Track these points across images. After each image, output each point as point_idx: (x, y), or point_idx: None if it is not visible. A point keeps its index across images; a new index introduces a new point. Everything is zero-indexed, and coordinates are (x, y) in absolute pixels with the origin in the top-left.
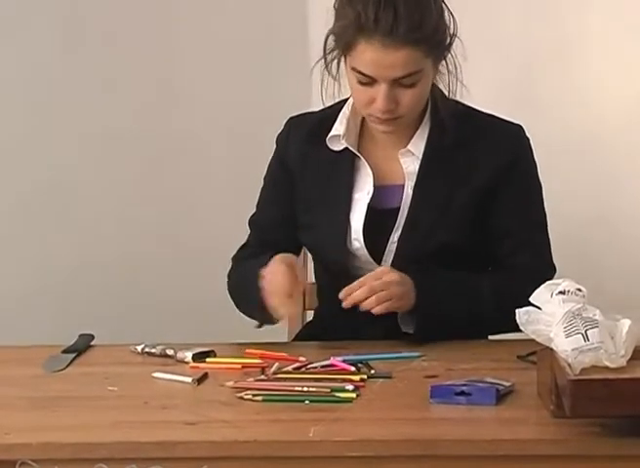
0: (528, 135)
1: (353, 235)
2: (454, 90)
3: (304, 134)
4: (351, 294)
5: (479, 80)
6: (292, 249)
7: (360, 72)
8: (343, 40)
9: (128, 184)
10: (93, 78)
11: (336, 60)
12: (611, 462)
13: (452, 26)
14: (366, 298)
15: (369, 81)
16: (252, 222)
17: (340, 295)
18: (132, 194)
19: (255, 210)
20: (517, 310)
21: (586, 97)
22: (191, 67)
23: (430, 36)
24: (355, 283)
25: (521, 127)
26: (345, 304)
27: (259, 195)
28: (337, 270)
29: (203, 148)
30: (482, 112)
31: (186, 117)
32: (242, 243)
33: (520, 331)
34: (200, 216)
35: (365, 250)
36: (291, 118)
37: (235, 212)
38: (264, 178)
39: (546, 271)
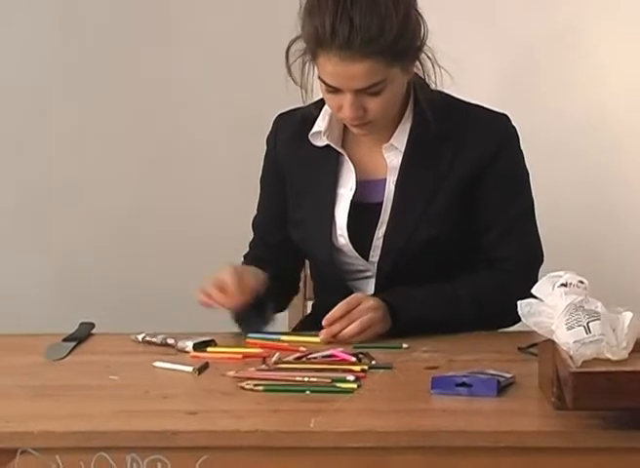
0: (514, 124)
1: (338, 231)
2: (434, 80)
3: (291, 131)
4: (330, 328)
5: (478, 70)
6: (292, 249)
7: (325, 82)
8: (308, 50)
9: (129, 177)
10: (92, 78)
11: (308, 64)
12: (612, 454)
13: (422, 29)
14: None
15: (335, 90)
16: (253, 224)
17: (324, 323)
18: (133, 186)
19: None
20: (519, 302)
21: (587, 86)
22: (191, 64)
23: (391, 46)
24: (335, 310)
25: (507, 116)
26: (323, 339)
27: (258, 196)
28: (326, 266)
29: (204, 144)
30: (467, 102)
31: (187, 113)
32: (242, 233)
33: (501, 327)
34: (200, 207)
35: (351, 245)
36: (278, 116)
37: (235, 203)
38: (260, 180)
39: (529, 262)
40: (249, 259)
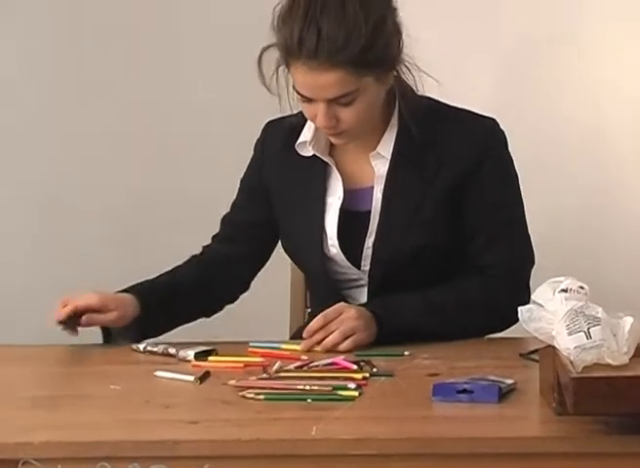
0: (503, 128)
1: (329, 241)
2: (416, 87)
3: (279, 140)
4: (310, 339)
5: (472, 75)
6: (256, 253)
7: (297, 92)
8: (282, 59)
9: (129, 179)
10: (92, 80)
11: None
12: (613, 460)
13: (400, 39)
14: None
15: (308, 99)
16: (224, 220)
17: (304, 335)
18: (135, 190)
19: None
20: (519, 308)
21: (583, 90)
22: (192, 66)
23: (359, 56)
24: (313, 322)
25: (494, 121)
26: (304, 348)
27: (236, 195)
28: (318, 276)
29: (204, 145)
30: (453, 107)
31: (188, 114)
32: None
33: (490, 333)
34: (202, 215)
35: (342, 255)
36: (267, 123)
37: None
38: (241, 180)
39: (517, 268)
40: (208, 253)
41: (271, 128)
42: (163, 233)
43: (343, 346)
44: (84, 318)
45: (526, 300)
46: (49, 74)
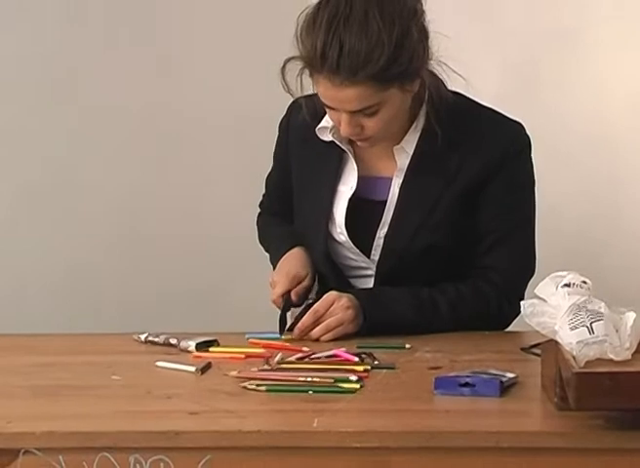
0: (528, 133)
1: (337, 229)
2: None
3: (303, 120)
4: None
5: (477, 75)
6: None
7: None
8: (306, 68)
9: (130, 178)
10: (92, 78)
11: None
12: (614, 455)
13: (425, 45)
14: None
15: (332, 107)
16: (267, 182)
17: (295, 331)
18: (135, 183)
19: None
20: (522, 302)
21: (587, 91)
22: (193, 67)
23: (382, 71)
24: (305, 318)
25: (520, 125)
26: (295, 337)
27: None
28: (323, 262)
29: (204, 144)
30: (482, 107)
31: (188, 113)
32: (242, 233)
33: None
34: (203, 207)
35: (351, 242)
36: (293, 102)
37: (238, 203)
38: (273, 154)
39: (516, 275)
40: (267, 214)
41: (296, 107)
42: (165, 233)
43: (324, 338)
44: (292, 293)
45: (515, 309)
46: (49, 73)
